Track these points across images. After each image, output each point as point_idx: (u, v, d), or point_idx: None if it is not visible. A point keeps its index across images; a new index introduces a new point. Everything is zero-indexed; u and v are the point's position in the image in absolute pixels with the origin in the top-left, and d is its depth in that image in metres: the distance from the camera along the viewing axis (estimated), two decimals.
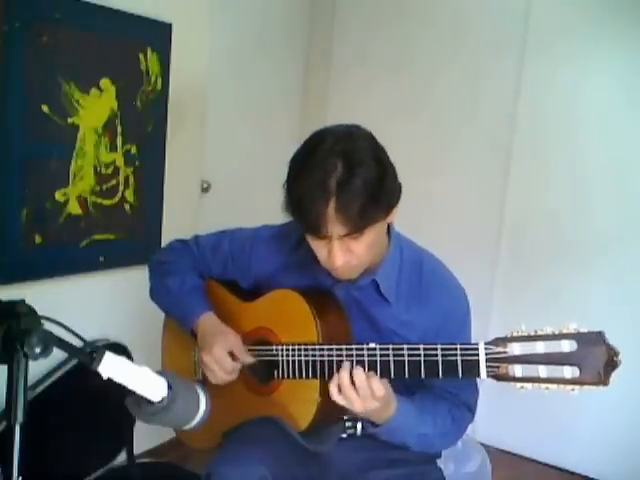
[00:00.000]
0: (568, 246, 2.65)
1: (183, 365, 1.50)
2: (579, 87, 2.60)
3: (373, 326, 1.31)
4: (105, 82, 2.07)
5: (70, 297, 2.04)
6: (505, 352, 1.07)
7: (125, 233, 2.24)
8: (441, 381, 1.24)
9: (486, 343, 1.09)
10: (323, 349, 1.21)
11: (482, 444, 2.45)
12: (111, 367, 0.85)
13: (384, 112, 2.89)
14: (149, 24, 2.17)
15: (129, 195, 2.23)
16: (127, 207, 2.23)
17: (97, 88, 2.05)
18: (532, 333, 1.05)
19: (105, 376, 0.84)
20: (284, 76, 3.10)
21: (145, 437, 2.34)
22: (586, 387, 1.01)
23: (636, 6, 2.48)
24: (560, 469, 2.72)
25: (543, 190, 2.71)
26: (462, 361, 1.09)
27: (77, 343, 0.85)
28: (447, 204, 2.90)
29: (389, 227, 1.30)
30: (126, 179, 2.20)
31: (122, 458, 2.26)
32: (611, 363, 1.00)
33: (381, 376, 1.15)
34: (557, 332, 1.04)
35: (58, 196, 1.99)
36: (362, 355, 1.17)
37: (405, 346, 1.14)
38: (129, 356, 2.12)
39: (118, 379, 0.86)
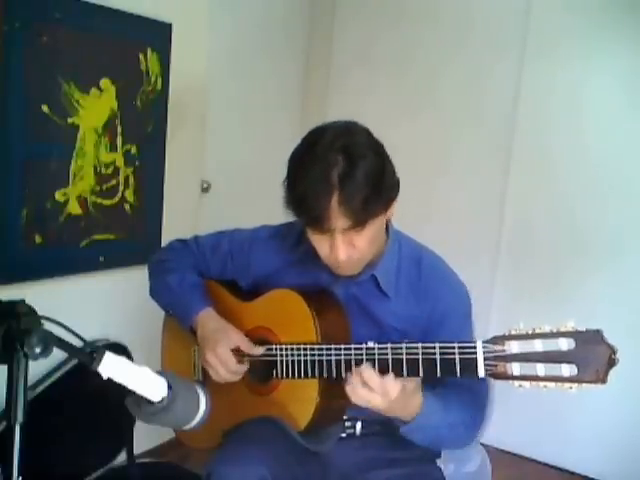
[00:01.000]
0: (568, 246, 2.66)
1: (183, 365, 1.51)
2: (579, 88, 2.60)
3: (373, 322, 1.31)
4: (105, 82, 2.07)
5: (70, 297, 2.04)
6: (503, 350, 1.06)
7: (125, 233, 2.24)
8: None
9: (484, 341, 1.09)
10: (322, 349, 1.22)
11: (482, 444, 2.45)
12: (111, 367, 0.85)
13: (384, 112, 2.89)
14: (149, 24, 2.18)
15: (129, 195, 2.23)
16: (127, 207, 2.23)
17: (97, 88, 2.05)
18: (530, 331, 1.05)
19: (105, 376, 0.85)
20: (284, 76, 3.10)
21: (145, 437, 2.34)
22: (584, 385, 1.01)
23: (636, 7, 2.48)
24: (560, 469, 2.72)
25: (543, 190, 2.71)
26: (460, 359, 1.09)
27: (77, 343, 0.85)
28: (447, 204, 2.90)
29: (387, 224, 1.30)
30: (126, 179, 2.20)
31: (122, 458, 2.26)
32: (609, 361, 1.00)
33: None
34: (555, 330, 1.03)
35: (58, 196, 1.99)
36: (361, 354, 1.17)
37: (403, 345, 1.14)
38: (129, 356, 2.12)
39: (118, 379, 0.86)
